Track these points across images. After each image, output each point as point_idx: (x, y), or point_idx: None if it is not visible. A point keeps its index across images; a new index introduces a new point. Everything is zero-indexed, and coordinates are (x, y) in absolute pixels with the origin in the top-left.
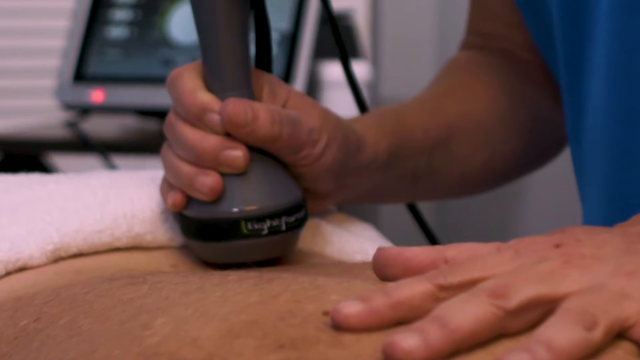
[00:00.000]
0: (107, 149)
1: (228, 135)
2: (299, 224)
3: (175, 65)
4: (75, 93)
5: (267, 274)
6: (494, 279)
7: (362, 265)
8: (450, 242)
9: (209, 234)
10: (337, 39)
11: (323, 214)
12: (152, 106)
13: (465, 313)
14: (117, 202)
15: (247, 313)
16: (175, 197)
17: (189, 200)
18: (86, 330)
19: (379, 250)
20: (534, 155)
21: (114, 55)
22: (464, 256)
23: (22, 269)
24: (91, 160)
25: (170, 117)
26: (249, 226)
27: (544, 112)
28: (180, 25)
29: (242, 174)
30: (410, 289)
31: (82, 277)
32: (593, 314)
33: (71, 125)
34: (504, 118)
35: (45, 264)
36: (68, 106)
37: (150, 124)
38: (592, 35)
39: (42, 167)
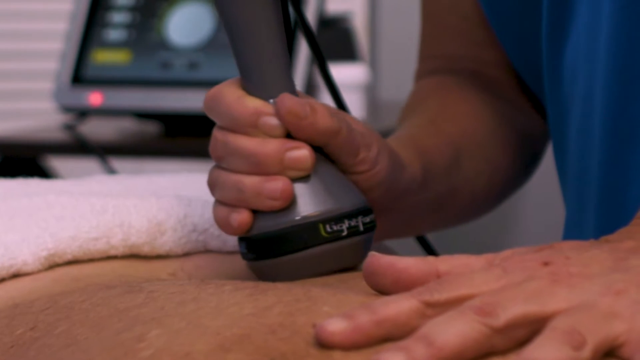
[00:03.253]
0: (105, 152)
1: (286, 138)
2: (374, 225)
3: (173, 67)
4: (74, 96)
5: (263, 284)
6: (481, 297)
7: (360, 274)
8: (446, 245)
9: (283, 248)
10: (313, 44)
11: None
12: (151, 109)
13: (452, 331)
14: (114, 212)
15: (239, 326)
16: (241, 217)
17: (254, 218)
18: (82, 340)
19: (371, 256)
20: (521, 169)
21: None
22: (456, 271)
23: (16, 275)
24: (89, 163)
25: (217, 134)
26: (328, 228)
27: (521, 127)
28: (178, 27)
29: (307, 176)
30: (396, 306)
31: (80, 284)
32: (581, 333)
33: (69, 128)
34: (495, 133)
35: (39, 271)
36: (66, 109)
37: (149, 127)
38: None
39: (40, 170)
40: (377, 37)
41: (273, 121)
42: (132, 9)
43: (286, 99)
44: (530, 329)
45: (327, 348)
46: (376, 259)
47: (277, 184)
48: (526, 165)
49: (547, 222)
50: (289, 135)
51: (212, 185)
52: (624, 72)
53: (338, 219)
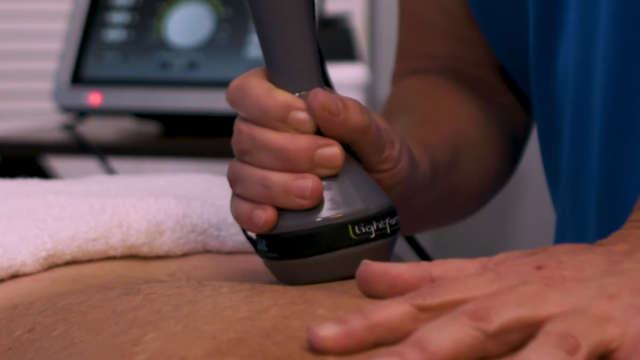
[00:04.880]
0: (104, 152)
1: (316, 134)
2: (399, 227)
3: (172, 67)
4: (73, 96)
5: (260, 286)
6: (474, 301)
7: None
8: (440, 248)
9: (310, 248)
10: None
11: None
12: (150, 109)
13: (445, 336)
14: (113, 212)
15: (235, 330)
16: (267, 214)
17: (278, 216)
18: (79, 343)
19: (364, 264)
20: (508, 166)
21: (111, 58)
22: (450, 275)
23: (14, 275)
24: (88, 163)
25: (242, 127)
26: (357, 230)
27: (507, 126)
28: (178, 28)
29: (335, 175)
30: (389, 311)
31: (78, 285)
32: (575, 338)
33: (68, 128)
34: (486, 134)
35: (38, 271)
36: (65, 109)
37: (148, 127)
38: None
39: (40, 170)
40: (377, 37)
41: (304, 116)
42: (131, 9)
43: (319, 94)
44: (524, 334)
45: (321, 353)
46: (369, 267)
47: (307, 182)
48: (512, 163)
49: (541, 224)
50: (317, 132)
51: (234, 179)
52: (624, 75)
53: (367, 220)
